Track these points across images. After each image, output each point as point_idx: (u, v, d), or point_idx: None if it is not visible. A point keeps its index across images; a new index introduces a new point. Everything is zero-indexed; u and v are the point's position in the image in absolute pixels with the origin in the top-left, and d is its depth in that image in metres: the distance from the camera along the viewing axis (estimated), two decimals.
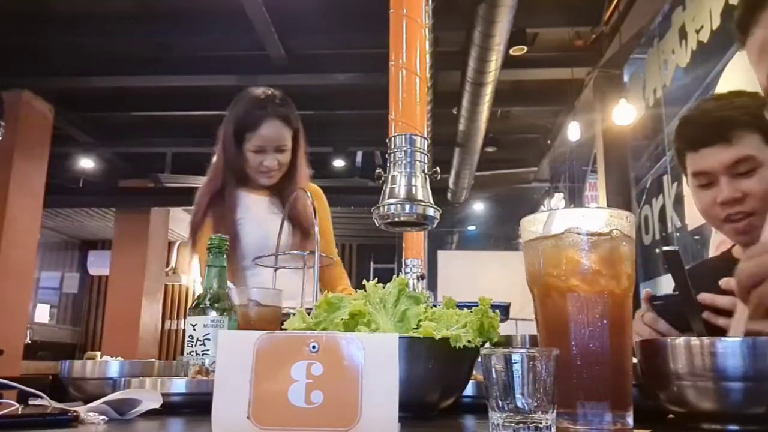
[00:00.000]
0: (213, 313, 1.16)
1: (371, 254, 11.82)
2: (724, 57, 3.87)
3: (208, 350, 1.14)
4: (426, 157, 1.26)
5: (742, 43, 1.05)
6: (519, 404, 0.63)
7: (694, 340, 0.69)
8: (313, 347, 0.63)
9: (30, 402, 0.94)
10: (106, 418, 0.81)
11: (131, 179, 8.86)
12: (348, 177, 8.26)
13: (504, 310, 1.64)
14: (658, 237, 5.15)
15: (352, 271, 11.87)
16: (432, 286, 8.73)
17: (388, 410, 0.61)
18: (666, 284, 5.23)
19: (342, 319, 0.83)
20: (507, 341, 1.13)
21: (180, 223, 10.20)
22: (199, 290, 1.24)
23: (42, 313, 11.18)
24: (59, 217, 10.22)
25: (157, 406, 0.86)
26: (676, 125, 1.41)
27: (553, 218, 0.75)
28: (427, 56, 4.25)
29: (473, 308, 0.88)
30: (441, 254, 9.99)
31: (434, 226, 1.26)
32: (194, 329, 1.15)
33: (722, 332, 0.95)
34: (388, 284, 0.89)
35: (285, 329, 0.87)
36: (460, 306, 0.92)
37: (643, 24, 5.29)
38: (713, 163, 1.27)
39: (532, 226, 0.77)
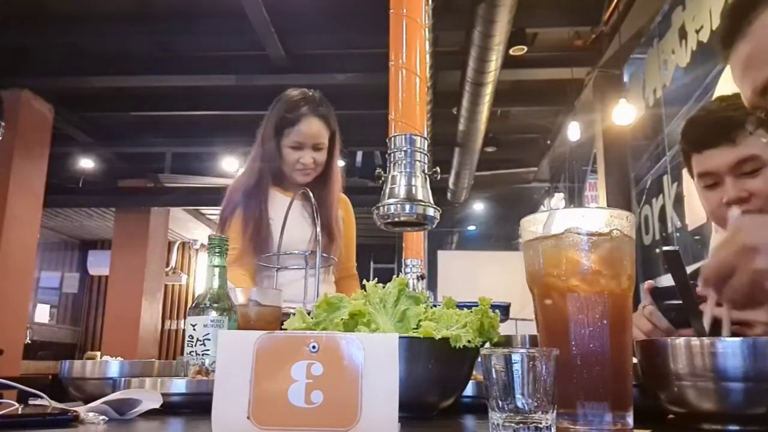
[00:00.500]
0: (213, 313, 1.16)
1: (371, 254, 11.82)
2: None
3: (208, 350, 1.14)
4: (426, 157, 1.26)
5: (725, 58, 1.04)
6: (519, 404, 0.63)
7: (694, 340, 0.69)
8: (313, 347, 0.63)
9: (30, 402, 0.94)
10: (106, 418, 0.81)
11: (131, 179, 8.85)
12: (348, 177, 8.25)
13: (504, 310, 1.64)
14: (658, 237, 5.15)
15: None
16: (432, 286, 8.73)
17: (388, 410, 0.61)
18: (666, 284, 5.21)
19: (342, 319, 0.83)
20: (507, 341, 1.13)
21: (180, 222, 10.20)
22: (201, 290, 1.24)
23: (42, 313, 11.17)
24: (59, 217, 10.22)
25: (157, 406, 0.86)
26: (681, 127, 1.41)
27: (553, 218, 0.75)
28: (427, 56, 4.25)
29: (473, 308, 0.88)
30: (441, 254, 10.00)
31: (434, 226, 1.26)
32: (194, 329, 1.15)
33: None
34: (388, 284, 0.89)
35: (285, 329, 0.87)
36: (460, 306, 0.92)
37: (643, 24, 5.29)
38: (718, 163, 1.28)
39: (532, 226, 0.77)
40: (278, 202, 2.07)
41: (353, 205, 2.43)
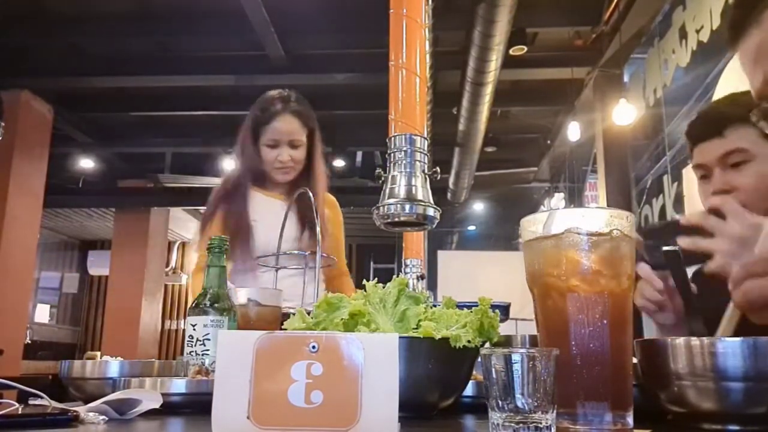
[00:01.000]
0: (213, 313, 1.16)
1: (371, 254, 11.81)
2: (725, 57, 3.87)
3: (208, 350, 1.14)
4: (426, 157, 1.26)
5: (734, 46, 1.03)
6: (519, 404, 0.63)
7: (694, 340, 0.69)
8: (313, 347, 0.63)
9: (30, 402, 0.94)
10: (106, 418, 0.81)
11: (131, 179, 8.85)
12: (348, 177, 8.26)
13: (504, 310, 1.64)
14: None
15: (352, 271, 11.85)
16: (432, 286, 8.73)
17: (388, 410, 0.61)
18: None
19: (342, 319, 0.83)
20: (507, 341, 1.13)
21: (180, 222, 10.20)
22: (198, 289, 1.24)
23: (42, 313, 11.17)
24: (59, 217, 10.22)
25: (157, 406, 0.86)
26: (687, 124, 1.43)
27: (553, 218, 0.75)
28: (427, 56, 4.25)
29: (473, 308, 0.88)
30: (441, 254, 9.99)
31: (434, 226, 1.26)
32: (194, 329, 1.15)
33: (707, 257, 0.94)
34: (388, 284, 0.89)
35: (285, 329, 0.87)
36: (460, 306, 0.92)
37: (643, 24, 5.29)
38: (708, 156, 1.31)
39: (532, 226, 0.76)
40: (261, 202, 2.09)
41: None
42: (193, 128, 7.57)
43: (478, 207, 10.47)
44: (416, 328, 0.84)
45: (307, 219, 2.01)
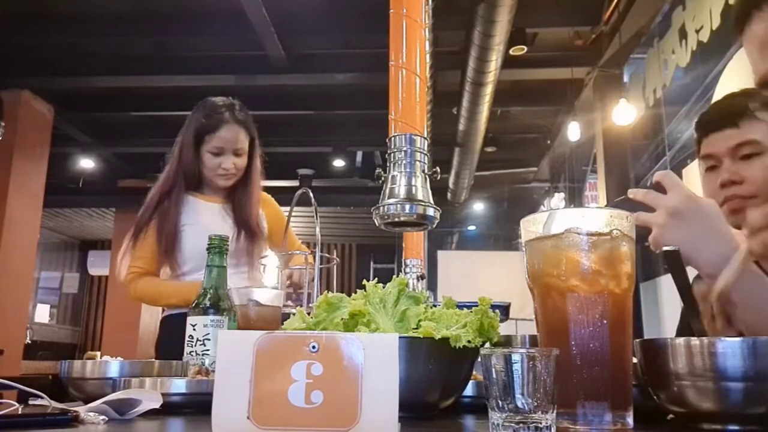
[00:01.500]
0: (213, 313, 1.16)
1: (371, 254, 11.81)
2: (724, 57, 3.87)
3: (208, 350, 1.14)
4: (426, 157, 1.26)
5: (740, 31, 1.03)
6: (519, 404, 0.63)
7: (694, 340, 0.69)
8: (313, 347, 0.63)
9: (30, 402, 0.94)
10: (106, 418, 0.81)
11: (131, 179, 8.85)
12: (348, 177, 8.26)
13: (504, 310, 1.65)
14: None
15: (352, 271, 11.88)
16: (432, 286, 8.73)
17: (388, 410, 0.61)
18: (666, 284, 5.23)
19: (342, 319, 0.83)
20: (507, 341, 1.13)
21: None
22: None
23: (42, 313, 11.17)
24: (59, 217, 10.22)
25: (157, 406, 0.86)
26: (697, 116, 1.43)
27: (553, 218, 0.75)
28: (427, 56, 4.25)
29: (473, 308, 0.88)
30: (441, 254, 10.00)
31: (434, 226, 1.26)
32: (194, 329, 1.15)
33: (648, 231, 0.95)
34: (388, 284, 0.89)
35: (285, 329, 0.87)
36: (460, 306, 0.92)
37: (643, 24, 5.30)
38: (719, 146, 1.30)
39: (532, 226, 0.76)
40: (197, 206, 2.13)
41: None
42: None
43: (478, 207, 10.47)
44: (416, 328, 0.84)
45: (241, 221, 2.08)
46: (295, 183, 8.07)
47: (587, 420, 0.68)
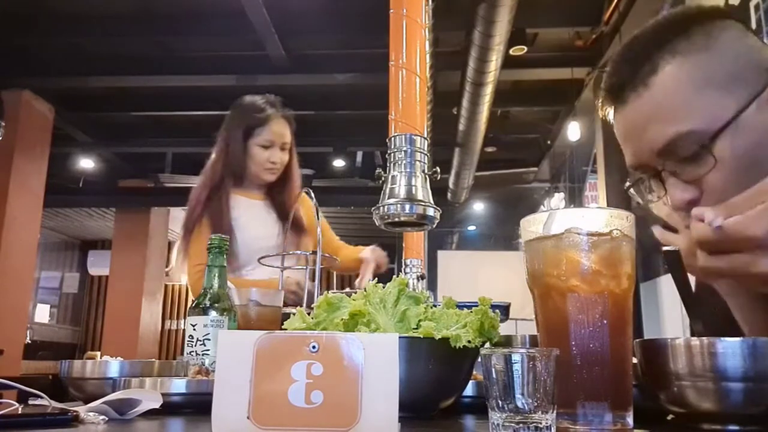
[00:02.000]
0: (213, 313, 1.16)
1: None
2: None
3: (208, 350, 1.14)
4: (426, 157, 1.26)
5: (615, 109, 0.95)
6: (519, 404, 0.63)
7: (694, 340, 0.69)
8: (313, 347, 0.63)
9: (30, 402, 0.94)
10: (106, 418, 0.81)
11: (131, 179, 8.86)
12: (348, 177, 8.26)
13: (504, 310, 1.64)
14: None
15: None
16: (432, 286, 8.73)
17: (388, 410, 0.61)
18: (666, 284, 5.23)
19: (342, 319, 0.83)
20: (507, 341, 1.13)
21: (180, 223, 10.19)
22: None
23: (42, 313, 11.18)
24: (59, 217, 10.22)
25: (157, 406, 0.86)
26: None
27: (553, 218, 0.75)
28: (427, 56, 4.25)
29: (473, 308, 0.88)
30: (441, 254, 9.99)
31: (434, 226, 1.26)
32: (194, 329, 1.15)
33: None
34: (388, 284, 0.89)
35: (285, 329, 0.87)
36: (460, 306, 0.92)
37: (644, 24, 5.29)
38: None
39: (532, 226, 0.76)
40: (242, 203, 2.13)
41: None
42: (193, 128, 7.57)
43: (478, 207, 10.47)
44: (416, 328, 0.84)
45: (284, 216, 2.10)
46: None
47: (587, 420, 0.68)
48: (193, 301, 1.19)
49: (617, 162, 6.11)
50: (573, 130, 6.46)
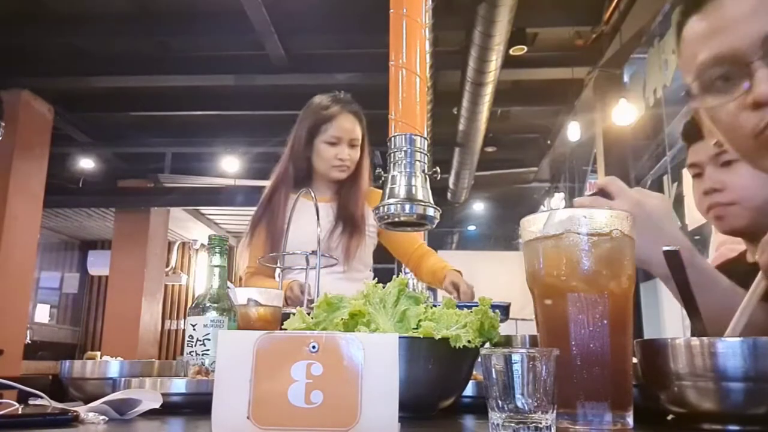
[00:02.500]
0: (213, 313, 1.16)
1: (379, 253, 11.78)
2: None
3: (208, 350, 1.14)
4: (426, 157, 1.26)
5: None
6: (519, 404, 0.63)
7: (694, 340, 0.69)
8: (313, 347, 0.63)
9: (30, 402, 0.94)
10: (106, 418, 0.81)
11: (130, 179, 8.85)
12: None
13: (504, 310, 1.64)
14: None
15: None
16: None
17: (388, 410, 0.61)
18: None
19: (342, 319, 0.83)
20: (507, 341, 1.13)
21: (180, 223, 10.19)
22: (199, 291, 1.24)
23: (42, 313, 11.17)
24: (59, 217, 10.22)
25: (157, 406, 0.86)
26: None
27: (553, 218, 0.75)
28: (427, 56, 4.25)
29: (473, 308, 0.88)
30: (441, 254, 9.94)
31: (434, 226, 1.26)
32: (194, 329, 1.15)
33: None
34: (388, 284, 0.89)
35: (285, 329, 0.87)
36: (460, 306, 0.92)
37: (644, 23, 5.29)
38: (701, 155, 1.32)
39: (532, 226, 0.76)
40: (300, 207, 2.09)
41: None
42: (193, 128, 7.57)
43: (478, 207, 10.47)
44: (416, 328, 0.84)
45: (343, 215, 2.05)
46: None
47: (587, 420, 0.68)
48: (193, 301, 1.19)
49: (617, 162, 6.12)
50: (573, 130, 6.47)
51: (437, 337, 0.81)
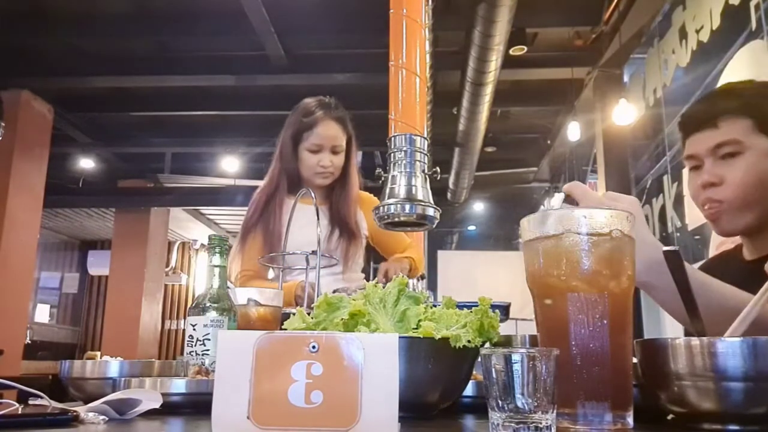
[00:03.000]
0: (213, 313, 1.16)
1: (371, 254, 11.79)
2: (725, 56, 3.87)
3: (208, 350, 1.14)
4: (426, 157, 1.26)
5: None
6: (519, 404, 0.63)
7: (694, 340, 0.69)
8: (313, 347, 0.63)
9: (30, 402, 0.94)
10: (106, 418, 0.81)
11: (130, 179, 8.85)
12: None
13: (504, 310, 1.64)
14: (658, 237, 5.15)
15: None
16: (432, 286, 8.73)
17: (388, 410, 0.61)
18: None
19: (342, 319, 0.83)
20: (507, 341, 1.13)
21: (180, 222, 10.20)
22: (200, 290, 1.24)
23: (42, 313, 11.17)
24: (59, 217, 10.22)
25: (157, 406, 0.86)
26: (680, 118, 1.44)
27: (554, 218, 0.75)
28: (427, 56, 4.25)
29: (473, 308, 0.88)
30: (441, 254, 10.00)
31: (434, 226, 1.26)
32: (194, 329, 1.15)
33: None
34: (388, 284, 0.89)
35: (285, 329, 0.87)
36: (460, 306, 0.92)
37: (644, 23, 5.30)
38: (700, 146, 1.30)
39: (532, 226, 0.76)
40: (295, 209, 2.10)
41: None
42: (193, 128, 7.57)
43: (478, 207, 10.47)
44: (416, 328, 0.84)
45: (336, 220, 2.07)
46: None
47: (587, 420, 0.68)
48: (193, 301, 1.19)
49: (617, 162, 6.12)
50: (573, 130, 6.47)
51: (437, 337, 0.81)
